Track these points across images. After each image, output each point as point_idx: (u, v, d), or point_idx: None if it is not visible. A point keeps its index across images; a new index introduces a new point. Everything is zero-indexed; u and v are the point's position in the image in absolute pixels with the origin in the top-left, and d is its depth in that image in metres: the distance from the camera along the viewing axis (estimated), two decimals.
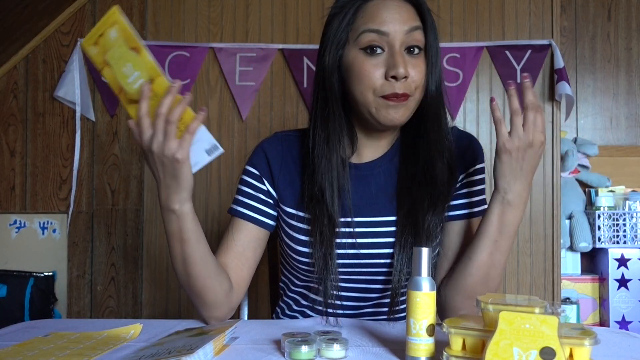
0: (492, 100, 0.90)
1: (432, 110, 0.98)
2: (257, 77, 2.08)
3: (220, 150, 0.88)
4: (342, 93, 1.00)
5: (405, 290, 0.94)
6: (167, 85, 0.82)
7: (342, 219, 1.01)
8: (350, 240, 1.00)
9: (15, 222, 2.16)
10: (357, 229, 1.01)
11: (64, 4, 2.09)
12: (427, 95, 0.97)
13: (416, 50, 0.94)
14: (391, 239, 1.00)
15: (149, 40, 2.10)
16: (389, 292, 1.01)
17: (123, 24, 0.78)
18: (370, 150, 1.05)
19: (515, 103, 0.88)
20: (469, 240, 1.00)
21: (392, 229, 1.00)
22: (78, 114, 2.09)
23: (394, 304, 0.98)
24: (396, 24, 0.92)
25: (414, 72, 0.94)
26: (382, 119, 0.95)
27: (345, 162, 1.03)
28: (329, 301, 0.99)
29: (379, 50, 0.93)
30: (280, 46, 2.09)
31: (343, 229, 1.00)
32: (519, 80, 2.05)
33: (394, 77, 0.91)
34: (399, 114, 0.95)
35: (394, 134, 1.05)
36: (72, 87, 2.07)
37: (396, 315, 1.00)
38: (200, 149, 0.88)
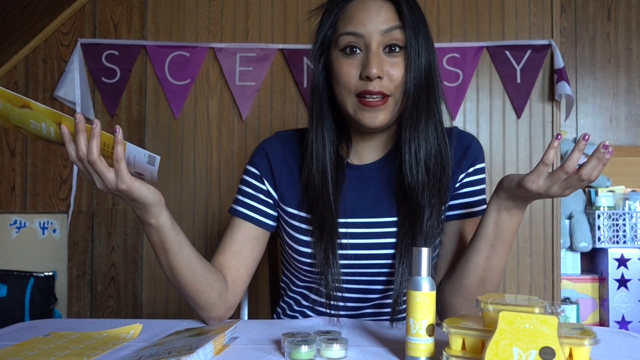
0: (557, 136, 0.80)
1: (410, 109, 0.96)
2: (257, 77, 2.08)
3: (158, 157, 0.85)
4: (331, 95, 1.01)
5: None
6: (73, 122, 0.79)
7: (344, 220, 1.01)
8: (352, 241, 1.00)
9: (15, 222, 2.16)
10: (358, 230, 1.01)
11: (64, 4, 2.09)
12: (405, 94, 0.95)
13: (396, 49, 0.94)
14: (392, 240, 1.00)
15: (148, 40, 2.10)
16: (390, 293, 1.01)
17: None
18: (370, 151, 1.05)
19: (574, 160, 0.78)
20: (468, 240, 1.00)
21: (394, 229, 1.00)
22: None
23: (398, 304, 0.97)
24: (372, 25, 0.93)
25: (393, 70, 0.93)
26: (361, 122, 0.96)
27: (341, 162, 1.03)
28: (332, 293, 0.99)
29: (357, 51, 0.94)
30: (280, 46, 2.09)
31: (344, 230, 1.01)
32: (518, 81, 2.05)
33: (368, 77, 0.92)
34: (378, 119, 0.95)
35: (389, 135, 1.04)
36: (72, 87, 2.07)
37: (400, 315, 1.00)
38: (142, 162, 0.85)
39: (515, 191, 0.86)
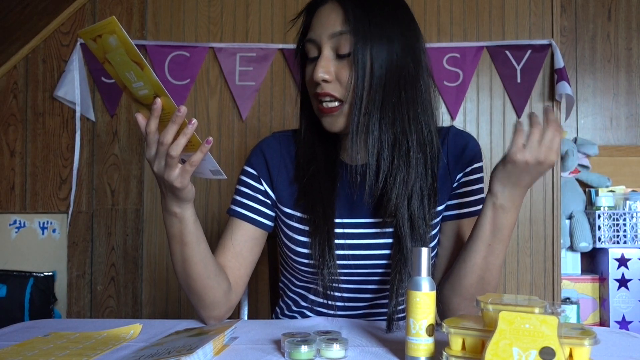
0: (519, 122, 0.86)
1: (363, 114, 0.94)
2: (257, 77, 2.08)
3: (223, 176, 0.88)
4: None
5: (404, 291, 0.94)
6: (172, 107, 0.80)
7: (340, 220, 1.01)
8: (348, 241, 1.00)
9: (15, 222, 2.15)
10: (354, 230, 1.01)
11: (64, 4, 2.09)
12: (363, 98, 0.94)
13: (344, 54, 0.94)
14: (389, 240, 1.00)
15: (148, 40, 2.10)
16: (386, 293, 1.01)
17: (123, 37, 0.75)
18: (360, 152, 1.04)
19: (538, 118, 0.84)
20: (466, 239, 1.00)
21: (390, 230, 1.00)
22: (78, 114, 2.10)
23: (397, 304, 0.96)
24: (321, 30, 0.95)
25: (341, 74, 0.94)
26: (324, 127, 0.98)
27: (336, 161, 1.03)
28: (328, 292, 0.99)
29: (316, 57, 0.96)
30: (280, 46, 2.09)
31: (341, 230, 1.00)
32: (519, 80, 2.05)
33: (317, 81, 0.94)
34: (335, 125, 0.97)
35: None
36: (72, 87, 2.07)
37: (397, 315, 0.99)
38: (206, 167, 0.88)
39: (508, 173, 0.86)
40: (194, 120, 0.81)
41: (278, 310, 1.17)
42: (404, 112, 0.95)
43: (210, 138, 0.83)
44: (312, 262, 1.00)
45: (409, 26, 0.96)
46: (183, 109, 0.79)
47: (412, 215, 0.96)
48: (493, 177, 0.89)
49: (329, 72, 0.93)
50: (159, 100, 0.80)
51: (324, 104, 0.95)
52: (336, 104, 0.95)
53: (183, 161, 0.85)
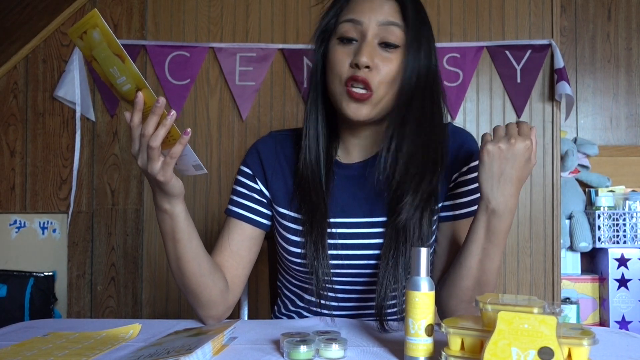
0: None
1: (399, 109, 0.95)
2: (257, 77, 2.08)
3: (204, 170, 0.89)
4: (325, 85, 1.01)
5: (395, 291, 0.93)
6: (153, 99, 0.81)
7: (332, 220, 1.01)
8: (340, 241, 1.00)
9: (15, 222, 2.16)
10: (347, 230, 1.01)
11: (64, 4, 2.09)
12: (395, 93, 0.95)
13: (391, 46, 0.94)
14: (379, 240, 0.99)
15: (148, 40, 2.10)
16: (373, 295, 1.00)
17: (105, 29, 0.76)
18: (360, 149, 1.04)
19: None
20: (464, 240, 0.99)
21: (381, 230, 0.99)
22: (78, 114, 2.10)
23: (383, 306, 0.95)
24: (371, 14, 0.94)
25: (384, 65, 0.93)
26: (346, 112, 0.95)
27: (330, 160, 1.03)
28: (322, 292, 0.98)
29: (353, 41, 0.95)
30: (280, 46, 2.09)
31: (333, 230, 1.00)
32: (518, 80, 2.05)
33: (357, 65, 0.92)
34: (361, 111, 0.94)
35: (378, 133, 1.02)
36: (72, 87, 2.07)
37: (389, 316, 0.98)
38: (188, 162, 0.89)
39: (488, 167, 0.89)
40: (173, 112, 0.82)
41: (276, 308, 1.17)
42: (436, 113, 0.98)
43: (189, 129, 0.83)
44: (305, 261, 1.00)
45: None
46: (162, 100, 0.80)
47: (414, 214, 0.96)
48: (479, 180, 0.90)
49: (372, 59, 0.93)
50: (140, 94, 0.81)
51: (355, 89, 0.94)
52: (366, 91, 0.93)
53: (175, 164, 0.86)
